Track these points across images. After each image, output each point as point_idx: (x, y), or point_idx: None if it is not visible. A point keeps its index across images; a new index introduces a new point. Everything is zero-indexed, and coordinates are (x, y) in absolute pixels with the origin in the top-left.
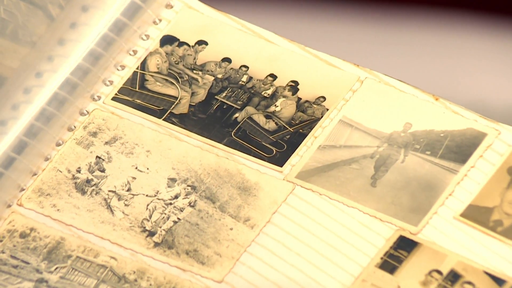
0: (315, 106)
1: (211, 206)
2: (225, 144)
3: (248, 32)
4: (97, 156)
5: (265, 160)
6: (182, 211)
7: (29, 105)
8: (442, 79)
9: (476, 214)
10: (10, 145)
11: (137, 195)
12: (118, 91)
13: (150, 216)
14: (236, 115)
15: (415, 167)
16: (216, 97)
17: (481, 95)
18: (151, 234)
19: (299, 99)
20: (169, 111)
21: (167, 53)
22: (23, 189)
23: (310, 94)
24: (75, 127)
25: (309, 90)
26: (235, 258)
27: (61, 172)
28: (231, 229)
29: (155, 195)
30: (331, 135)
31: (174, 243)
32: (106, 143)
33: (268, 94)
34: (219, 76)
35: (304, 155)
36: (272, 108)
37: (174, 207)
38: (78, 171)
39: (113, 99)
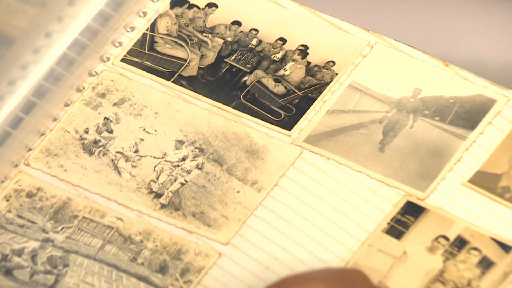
0: (324, 70)
1: (218, 168)
2: (233, 107)
3: None
4: (105, 117)
5: (273, 124)
6: (189, 173)
7: (38, 65)
8: (452, 44)
9: (484, 181)
10: (18, 105)
11: (145, 156)
12: (127, 53)
13: (157, 178)
14: (245, 78)
15: (424, 133)
16: (225, 60)
17: (492, 60)
18: (158, 195)
19: (309, 63)
20: (178, 73)
21: (177, 15)
22: (31, 149)
23: (319, 59)
24: (83, 88)
25: (318, 54)
26: (241, 221)
27: (68, 132)
28: (238, 192)
29: (163, 157)
30: (340, 99)
31: (181, 205)
32: (115, 104)
33: (278, 58)
34: (229, 39)
35: (313, 119)
36: (281, 72)
37: (182, 169)
38: (86, 132)
39: (122, 60)
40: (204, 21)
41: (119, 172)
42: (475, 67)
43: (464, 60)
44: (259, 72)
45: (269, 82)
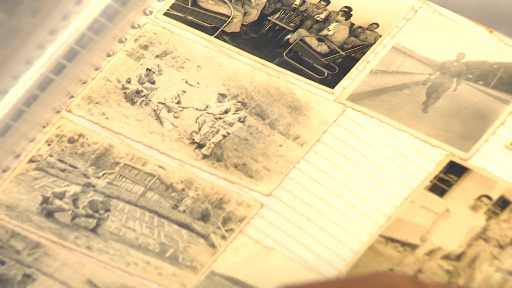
0: (368, 32)
1: (261, 122)
2: (276, 64)
3: None
4: (147, 69)
5: (316, 81)
6: (231, 126)
7: (81, 15)
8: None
9: None
10: (61, 53)
11: (187, 108)
12: (170, 7)
13: (199, 129)
14: (288, 36)
15: (467, 96)
16: (268, 18)
17: None
18: (200, 146)
19: (352, 24)
20: (221, 29)
21: None
22: (72, 96)
23: (363, 20)
24: (126, 39)
25: (362, 16)
26: (283, 174)
27: (111, 82)
28: (281, 145)
29: (205, 109)
30: (383, 60)
31: (223, 156)
32: (157, 56)
33: (321, 18)
34: None
35: (356, 78)
36: (324, 32)
37: (224, 121)
38: (128, 81)
39: (165, 14)
40: None
41: (161, 122)
42: None
43: (508, 28)
44: (302, 31)
45: (312, 41)
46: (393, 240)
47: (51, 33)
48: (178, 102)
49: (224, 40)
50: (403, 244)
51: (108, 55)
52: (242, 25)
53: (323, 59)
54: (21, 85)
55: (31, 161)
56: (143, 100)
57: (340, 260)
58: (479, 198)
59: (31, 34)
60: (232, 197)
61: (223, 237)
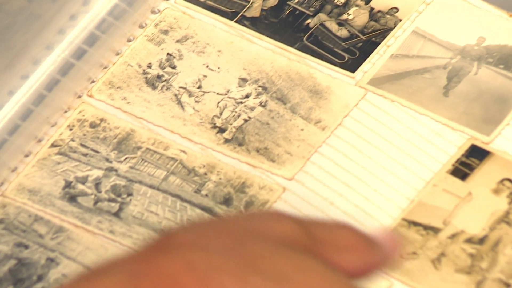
0: (388, 16)
1: (282, 107)
2: (296, 48)
3: None
4: (168, 53)
5: (337, 66)
6: (253, 110)
7: (101, 0)
8: None
9: None
10: (82, 38)
11: (208, 92)
12: None
13: (221, 114)
14: (308, 21)
15: (488, 80)
16: (288, 3)
17: None
18: (222, 130)
19: (372, 8)
20: (240, 13)
21: None
22: (94, 81)
23: (383, 5)
24: (146, 24)
25: (382, 0)
26: (305, 158)
27: (131, 66)
28: (302, 129)
29: (226, 94)
30: (404, 45)
31: (245, 140)
32: (177, 41)
33: (341, 3)
34: None
35: (377, 62)
36: (344, 16)
37: (245, 106)
38: (149, 66)
39: None
40: None
41: (182, 107)
42: None
43: None
44: (322, 16)
45: (332, 25)
46: (415, 224)
47: (71, 18)
48: (199, 87)
49: (244, 25)
50: (426, 227)
51: (129, 40)
52: (262, 10)
53: (343, 44)
54: (42, 70)
55: (53, 145)
56: (164, 85)
57: None
58: (501, 181)
59: (52, 19)
60: (254, 181)
61: None
